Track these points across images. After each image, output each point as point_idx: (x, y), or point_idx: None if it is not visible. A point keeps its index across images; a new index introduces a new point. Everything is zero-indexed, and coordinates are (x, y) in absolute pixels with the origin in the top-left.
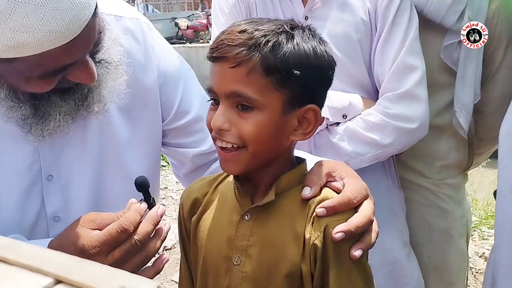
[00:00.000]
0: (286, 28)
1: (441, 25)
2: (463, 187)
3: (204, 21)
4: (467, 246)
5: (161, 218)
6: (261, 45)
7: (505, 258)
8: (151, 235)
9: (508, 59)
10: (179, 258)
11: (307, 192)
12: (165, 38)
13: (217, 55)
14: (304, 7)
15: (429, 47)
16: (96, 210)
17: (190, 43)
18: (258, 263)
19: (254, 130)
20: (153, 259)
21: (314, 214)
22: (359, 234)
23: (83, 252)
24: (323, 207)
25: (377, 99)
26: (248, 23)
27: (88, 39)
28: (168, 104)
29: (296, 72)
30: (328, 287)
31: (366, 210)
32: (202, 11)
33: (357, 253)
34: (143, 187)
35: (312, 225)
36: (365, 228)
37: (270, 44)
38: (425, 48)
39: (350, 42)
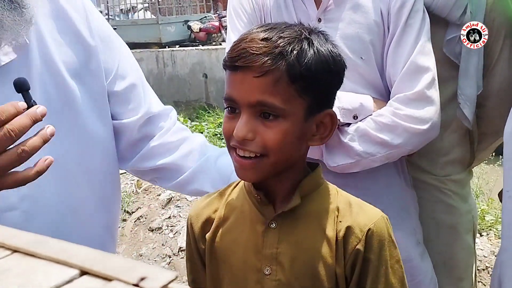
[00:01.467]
0: (306, 33)
1: (443, 20)
2: (469, 184)
3: (217, 24)
4: (474, 242)
5: (41, 117)
6: (287, 53)
7: None
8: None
9: (505, 52)
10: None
11: None
12: (178, 40)
13: (240, 64)
14: (317, 9)
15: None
16: (53, 172)
17: (202, 46)
18: (291, 269)
19: (279, 139)
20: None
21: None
22: None
23: None
24: None
25: (389, 100)
26: (267, 30)
27: None
28: (108, 64)
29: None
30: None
31: None
32: (214, 13)
33: None
34: (22, 87)
35: (345, 229)
36: None
37: (295, 52)
38: None
39: (362, 43)
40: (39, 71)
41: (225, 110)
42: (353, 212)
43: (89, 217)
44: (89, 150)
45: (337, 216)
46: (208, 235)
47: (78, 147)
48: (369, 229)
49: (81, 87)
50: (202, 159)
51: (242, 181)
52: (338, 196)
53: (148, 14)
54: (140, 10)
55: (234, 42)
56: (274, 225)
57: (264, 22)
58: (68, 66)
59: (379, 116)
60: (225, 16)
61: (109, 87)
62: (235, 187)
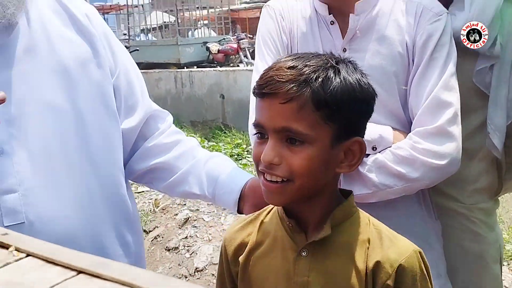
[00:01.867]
0: (332, 62)
1: (473, 50)
2: (495, 213)
3: (235, 45)
4: (501, 271)
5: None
6: (312, 81)
7: None
8: None
9: None
10: (210, 280)
11: None
12: (197, 62)
13: (266, 91)
14: (343, 39)
15: (460, 71)
16: (52, 156)
17: (220, 67)
18: None
19: (304, 164)
20: None
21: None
22: None
23: None
24: None
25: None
26: (295, 59)
27: None
28: (111, 60)
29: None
30: None
31: None
32: (233, 35)
33: None
34: None
35: (375, 263)
36: None
37: (320, 79)
38: (457, 72)
39: (385, 74)
40: (44, 59)
41: (255, 135)
42: (383, 246)
43: (93, 209)
44: (94, 141)
45: (368, 248)
46: (241, 259)
47: (81, 136)
48: (400, 265)
49: (86, 80)
50: (192, 161)
51: (276, 207)
52: (370, 226)
53: (212, 32)
54: (201, 27)
55: (263, 71)
56: (305, 253)
57: (291, 50)
58: (74, 58)
59: (397, 149)
60: (243, 38)
61: (114, 83)
62: (269, 211)
